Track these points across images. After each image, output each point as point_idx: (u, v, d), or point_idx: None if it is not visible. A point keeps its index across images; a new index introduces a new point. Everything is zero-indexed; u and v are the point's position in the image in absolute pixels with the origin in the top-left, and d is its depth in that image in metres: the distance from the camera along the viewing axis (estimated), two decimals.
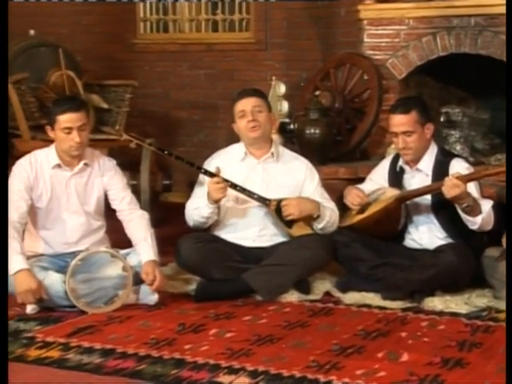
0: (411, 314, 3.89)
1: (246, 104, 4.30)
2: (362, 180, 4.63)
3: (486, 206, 4.02)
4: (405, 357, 3.29)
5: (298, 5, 6.53)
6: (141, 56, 7.14)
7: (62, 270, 3.96)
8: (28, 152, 4.22)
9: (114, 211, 4.24)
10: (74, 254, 4.01)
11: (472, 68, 5.35)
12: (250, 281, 4.12)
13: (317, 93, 5.61)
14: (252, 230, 4.31)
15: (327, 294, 4.22)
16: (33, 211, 4.08)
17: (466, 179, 3.93)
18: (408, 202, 4.26)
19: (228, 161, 4.36)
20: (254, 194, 4.25)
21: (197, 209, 4.24)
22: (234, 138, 4.58)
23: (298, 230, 4.28)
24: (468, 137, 5.47)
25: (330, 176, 5.11)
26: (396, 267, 4.17)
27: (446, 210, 4.14)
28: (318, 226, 4.29)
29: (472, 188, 4.02)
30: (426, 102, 4.55)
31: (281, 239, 4.31)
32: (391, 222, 4.28)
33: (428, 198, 4.22)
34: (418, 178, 4.28)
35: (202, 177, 4.35)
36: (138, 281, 4.00)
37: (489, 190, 4.47)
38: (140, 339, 3.50)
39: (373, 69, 5.55)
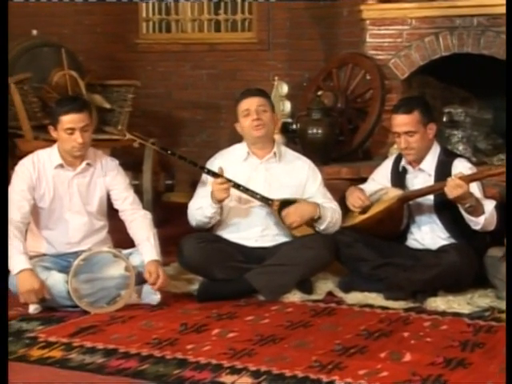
0: (414, 314, 3.88)
1: (251, 103, 4.31)
2: (364, 180, 4.63)
3: (489, 206, 4.01)
4: (407, 357, 3.29)
5: (301, 5, 6.53)
6: (143, 56, 7.14)
7: (64, 269, 3.97)
8: (31, 152, 4.22)
9: (116, 211, 4.25)
10: (76, 254, 4.01)
11: (474, 68, 5.35)
12: (253, 281, 4.12)
13: (319, 93, 5.61)
14: (254, 230, 4.32)
15: (330, 294, 4.22)
16: (35, 211, 4.08)
17: (468, 179, 3.92)
18: (410, 202, 4.26)
19: (230, 161, 4.36)
20: (257, 194, 4.25)
21: (200, 209, 4.24)
22: (236, 138, 4.58)
23: (301, 230, 4.28)
24: (471, 137, 5.47)
25: (333, 176, 5.11)
26: (398, 267, 4.17)
27: (448, 210, 4.13)
28: (320, 227, 4.29)
29: (475, 188, 4.02)
30: (428, 102, 4.54)
31: (283, 239, 4.31)
32: (394, 222, 4.28)
33: (430, 198, 4.22)
34: (421, 178, 4.28)
35: (204, 177, 4.35)
36: (140, 281, 4.00)
37: (491, 190, 4.47)
38: (142, 339, 3.50)
39: (375, 69, 5.55)
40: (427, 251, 4.21)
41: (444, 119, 5.46)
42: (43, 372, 3.18)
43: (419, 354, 3.30)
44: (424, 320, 3.80)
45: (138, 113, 6.44)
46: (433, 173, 4.24)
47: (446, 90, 5.80)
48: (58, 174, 4.10)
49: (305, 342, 3.48)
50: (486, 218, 3.98)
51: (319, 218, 4.27)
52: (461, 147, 5.37)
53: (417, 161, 4.27)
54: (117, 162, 4.27)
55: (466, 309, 3.93)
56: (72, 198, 4.12)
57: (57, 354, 3.35)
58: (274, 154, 4.38)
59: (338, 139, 5.51)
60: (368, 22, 5.58)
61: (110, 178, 4.19)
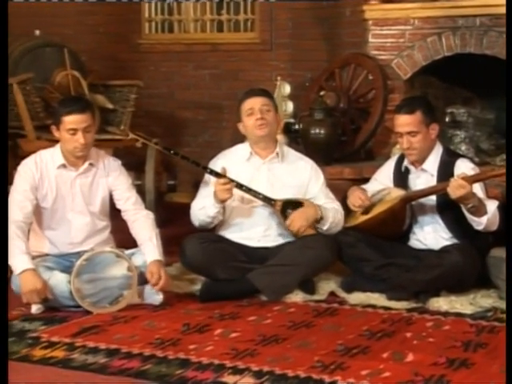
0: (416, 315, 3.88)
1: (255, 102, 4.31)
2: (366, 180, 4.62)
3: (492, 206, 4.01)
4: (410, 357, 3.29)
5: (303, 5, 6.54)
6: (146, 56, 7.15)
7: (67, 270, 3.97)
8: (33, 152, 4.22)
9: (118, 211, 4.25)
10: (79, 254, 4.01)
11: (477, 68, 5.35)
12: (255, 281, 4.12)
13: (322, 93, 5.61)
14: (257, 230, 4.32)
15: (332, 294, 4.22)
16: (38, 211, 4.09)
17: (471, 180, 3.92)
18: (413, 203, 4.26)
19: (233, 161, 4.36)
20: (260, 194, 4.25)
21: (203, 208, 4.24)
22: (238, 139, 4.58)
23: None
24: (473, 137, 5.47)
25: (335, 176, 5.11)
26: (401, 267, 4.17)
27: (451, 211, 4.13)
28: (323, 227, 4.29)
29: (477, 188, 4.01)
30: (430, 102, 4.54)
31: (286, 239, 4.31)
32: (396, 222, 4.27)
33: (433, 198, 4.22)
34: (423, 178, 4.28)
35: (207, 177, 4.35)
36: (143, 281, 4.00)
37: (494, 190, 4.47)
38: (145, 339, 3.50)
39: (378, 69, 5.55)
40: (430, 251, 4.21)
41: (446, 119, 5.46)
42: (46, 372, 3.18)
43: (422, 355, 3.30)
44: (426, 320, 3.80)
45: (140, 113, 6.44)
46: (435, 173, 4.24)
47: (449, 90, 5.80)
48: (60, 174, 4.10)
49: (307, 343, 3.48)
50: (488, 218, 3.98)
51: (321, 218, 4.27)
52: (463, 147, 5.37)
53: (419, 161, 4.27)
54: (119, 162, 4.27)
55: (468, 309, 3.93)
56: (74, 198, 4.12)
57: (59, 354, 3.35)
58: (277, 154, 4.39)
59: (341, 139, 5.51)
60: (370, 22, 5.59)
61: (112, 178, 4.19)
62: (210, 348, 3.39)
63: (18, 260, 3.83)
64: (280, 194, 4.29)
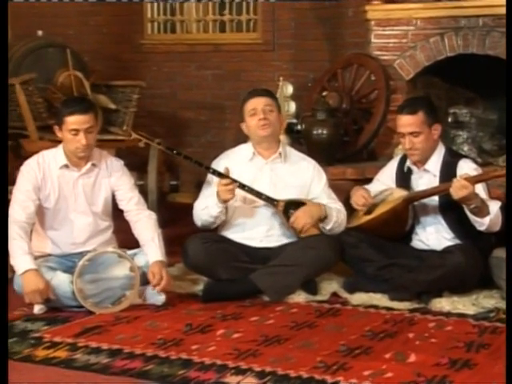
0: (419, 315, 3.88)
1: (258, 103, 4.31)
2: (369, 181, 4.62)
3: (494, 206, 4.01)
4: (412, 358, 3.29)
5: (306, 5, 6.54)
6: (148, 56, 7.15)
7: (69, 270, 3.97)
8: (36, 152, 4.22)
9: (121, 211, 4.25)
10: (81, 255, 4.01)
11: (480, 68, 5.35)
12: (258, 281, 4.12)
13: (324, 93, 5.61)
14: (259, 230, 4.32)
15: (334, 294, 4.22)
16: (40, 211, 4.09)
17: (474, 180, 3.92)
18: (415, 203, 4.26)
19: (236, 161, 4.36)
20: (262, 194, 4.25)
21: (205, 208, 4.24)
22: (241, 139, 4.58)
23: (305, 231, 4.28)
24: (476, 137, 5.46)
25: (338, 177, 5.11)
26: (403, 268, 4.17)
27: (453, 211, 4.13)
28: (327, 227, 4.30)
29: (480, 189, 4.01)
30: (433, 102, 4.54)
31: (288, 239, 4.31)
32: (399, 222, 4.27)
33: (436, 198, 4.22)
34: (426, 178, 4.28)
35: (210, 177, 4.35)
36: (145, 281, 4.01)
37: (497, 190, 4.46)
38: (147, 339, 3.50)
39: (380, 69, 5.55)
40: (432, 252, 4.20)
41: (449, 120, 5.45)
42: (48, 372, 3.18)
43: (424, 355, 3.30)
44: (429, 321, 3.80)
45: (143, 113, 6.44)
46: (438, 173, 4.24)
47: (451, 91, 5.79)
48: (63, 174, 4.11)
49: (310, 343, 3.48)
50: (491, 218, 3.98)
51: (325, 217, 4.27)
52: (466, 148, 5.37)
53: (422, 161, 4.26)
54: (122, 162, 4.28)
55: (471, 310, 3.93)
56: (77, 198, 4.13)
57: (62, 354, 3.35)
58: (280, 154, 4.39)
59: (343, 140, 5.51)
60: (373, 22, 5.58)
61: (115, 179, 4.19)
62: (212, 348, 3.39)
63: (21, 260, 3.83)
64: (282, 194, 4.29)
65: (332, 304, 4.08)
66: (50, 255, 4.11)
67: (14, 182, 4.11)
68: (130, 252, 4.09)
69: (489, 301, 4.02)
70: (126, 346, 3.42)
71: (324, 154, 5.23)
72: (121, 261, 4.00)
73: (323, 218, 4.28)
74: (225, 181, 4.14)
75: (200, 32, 7.18)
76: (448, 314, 3.88)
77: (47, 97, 5.77)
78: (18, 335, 3.57)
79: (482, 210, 3.96)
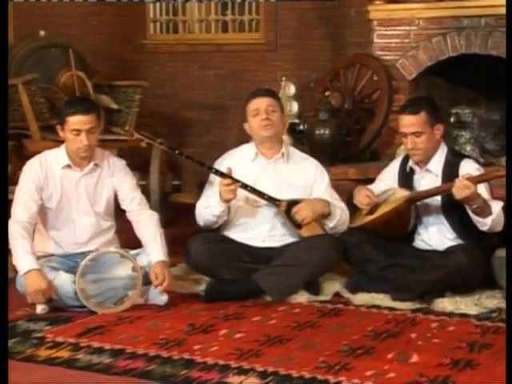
0: (421, 315, 3.88)
1: (261, 103, 4.31)
2: (371, 181, 4.62)
3: (497, 207, 4.01)
4: (414, 358, 3.29)
5: (308, 5, 6.54)
6: (151, 56, 7.15)
7: (71, 270, 3.97)
8: (38, 152, 4.22)
9: (123, 211, 4.25)
10: (83, 255, 4.01)
11: (482, 69, 5.35)
12: (260, 281, 4.12)
13: (326, 93, 5.61)
14: (262, 230, 4.32)
15: (337, 294, 4.22)
16: (43, 211, 4.09)
17: (476, 180, 3.92)
18: (418, 203, 4.26)
19: (239, 161, 4.36)
20: (264, 194, 4.25)
21: (208, 207, 4.24)
22: (243, 139, 4.58)
23: (308, 231, 4.28)
24: (478, 138, 5.46)
25: (340, 177, 5.11)
26: (406, 268, 4.16)
27: (455, 211, 4.13)
28: (330, 224, 4.30)
29: (482, 189, 4.01)
30: (435, 102, 4.54)
31: (290, 239, 4.31)
32: (401, 222, 4.27)
33: (438, 198, 4.21)
34: (428, 178, 4.27)
35: (212, 177, 4.35)
36: (147, 281, 4.01)
37: (499, 191, 4.45)
38: (150, 339, 3.50)
39: (383, 69, 5.55)
40: (434, 252, 4.20)
41: (451, 120, 5.45)
42: (51, 372, 3.18)
43: (426, 355, 3.30)
44: (431, 321, 3.80)
45: (145, 113, 6.44)
46: (440, 173, 4.24)
47: (454, 91, 5.79)
48: (65, 174, 4.11)
49: (312, 343, 3.48)
50: (493, 218, 3.98)
51: (329, 214, 4.27)
52: (468, 148, 5.37)
53: (424, 161, 4.26)
54: (124, 162, 4.28)
55: (473, 310, 3.93)
56: (79, 198, 4.13)
57: (64, 354, 3.35)
58: (282, 154, 4.39)
59: (346, 140, 5.51)
60: (375, 22, 5.59)
61: (117, 179, 4.19)
62: (214, 348, 3.39)
63: (23, 260, 3.84)
64: (285, 194, 4.29)
65: (334, 304, 4.08)
66: (52, 255, 4.11)
67: (16, 182, 4.11)
68: (132, 252, 4.09)
69: (491, 301, 4.02)
70: (128, 346, 3.42)
71: (326, 154, 5.23)
72: (123, 261, 4.01)
73: (327, 215, 4.28)
74: (226, 181, 4.14)
75: (202, 32, 7.18)
76: (450, 314, 3.88)
77: (49, 97, 5.77)
78: (21, 335, 3.57)
79: (485, 210, 3.96)
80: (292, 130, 5.55)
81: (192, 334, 3.60)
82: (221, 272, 4.17)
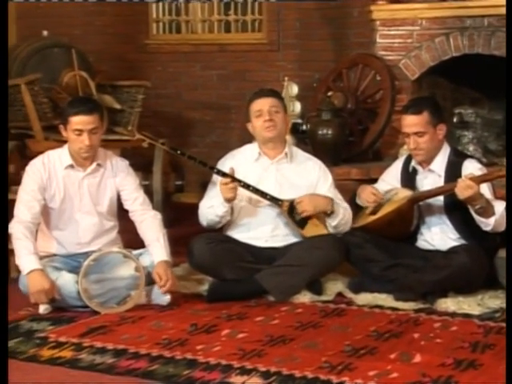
0: (424, 315, 3.88)
1: (264, 104, 4.31)
2: (374, 181, 4.62)
3: (499, 207, 4.00)
4: (417, 358, 3.29)
5: (311, 5, 6.53)
6: (153, 57, 7.15)
7: (74, 270, 3.97)
8: (41, 152, 4.23)
9: (126, 212, 4.25)
10: (86, 255, 4.02)
11: (485, 69, 5.34)
12: (263, 281, 4.12)
13: (329, 93, 5.61)
14: (265, 230, 4.32)
15: (340, 294, 4.21)
16: (46, 211, 4.09)
17: (479, 180, 3.91)
18: (420, 203, 4.26)
19: (242, 161, 4.37)
20: (267, 194, 4.25)
21: (211, 207, 4.24)
22: (246, 139, 4.58)
23: (311, 231, 4.28)
24: (481, 138, 5.46)
25: (343, 177, 5.11)
26: (408, 268, 4.16)
27: (458, 211, 4.12)
28: (332, 222, 4.29)
29: (485, 189, 4.01)
30: (438, 102, 4.53)
31: (293, 240, 4.31)
32: (404, 222, 4.27)
33: (441, 198, 4.21)
34: (431, 178, 4.27)
35: (215, 177, 4.35)
36: (150, 281, 4.01)
37: (502, 191, 4.44)
38: (152, 339, 3.50)
39: (385, 69, 5.55)
40: (437, 252, 4.20)
41: (454, 120, 5.45)
42: (53, 372, 3.19)
43: (429, 355, 3.30)
44: (434, 321, 3.80)
45: (148, 113, 6.44)
46: (443, 173, 4.23)
47: (457, 91, 5.79)
48: (68, 174, 4.11)
49: (315, 343, 3.47)
50: (496, 218, 3.97)
51: (332, 212, 4.27)
52: (471, 148, 5.36)
53: (426, 161, 4.26)
54: (127, 162, 4.28)
55: (476, 310, 3.92)
56: (82, 198, 4.13)
57: (67, 354, 3.36)
58: (286, 154, 4.39)
59: (348, 140, 5.51)
60: (378, 22, 5.58)
61: (120, 179, 4.19)
62: (217, 348, 3.39)
63: (26, 260, 3.84)
64: (288, 194, 4.29)
65: (337, 304, 4.08)
66: (55, 255, 4.11)
67: (19, 182, 4.12)
68: (135, 252, 4.09)
69: (494, 301, 4.02)
70: (131, 346, 3.42)
71: (329, 154, 5.22)
72: (126, 261, 4.01)
73: (330, 213, 4.28)
74: (224, 180, 4.14)
75: (205, 32, 7.18)
76: (453, 315, 3.88)
77: (52, 97, 5.77)
78: (24, 335, 3.58)
79: (487, 211, 3.96)
80: (295, 130, 5.55)
81: (195, 334, 3.61)
82: (224, 272, 4.17)
